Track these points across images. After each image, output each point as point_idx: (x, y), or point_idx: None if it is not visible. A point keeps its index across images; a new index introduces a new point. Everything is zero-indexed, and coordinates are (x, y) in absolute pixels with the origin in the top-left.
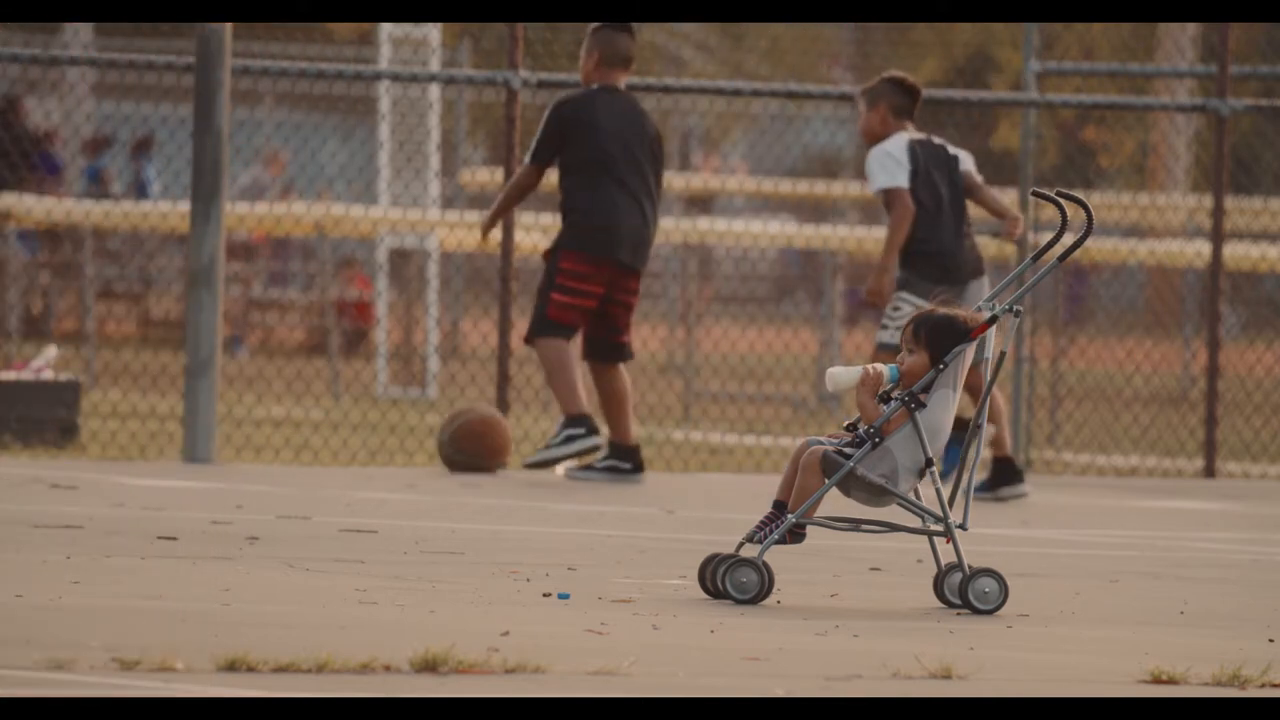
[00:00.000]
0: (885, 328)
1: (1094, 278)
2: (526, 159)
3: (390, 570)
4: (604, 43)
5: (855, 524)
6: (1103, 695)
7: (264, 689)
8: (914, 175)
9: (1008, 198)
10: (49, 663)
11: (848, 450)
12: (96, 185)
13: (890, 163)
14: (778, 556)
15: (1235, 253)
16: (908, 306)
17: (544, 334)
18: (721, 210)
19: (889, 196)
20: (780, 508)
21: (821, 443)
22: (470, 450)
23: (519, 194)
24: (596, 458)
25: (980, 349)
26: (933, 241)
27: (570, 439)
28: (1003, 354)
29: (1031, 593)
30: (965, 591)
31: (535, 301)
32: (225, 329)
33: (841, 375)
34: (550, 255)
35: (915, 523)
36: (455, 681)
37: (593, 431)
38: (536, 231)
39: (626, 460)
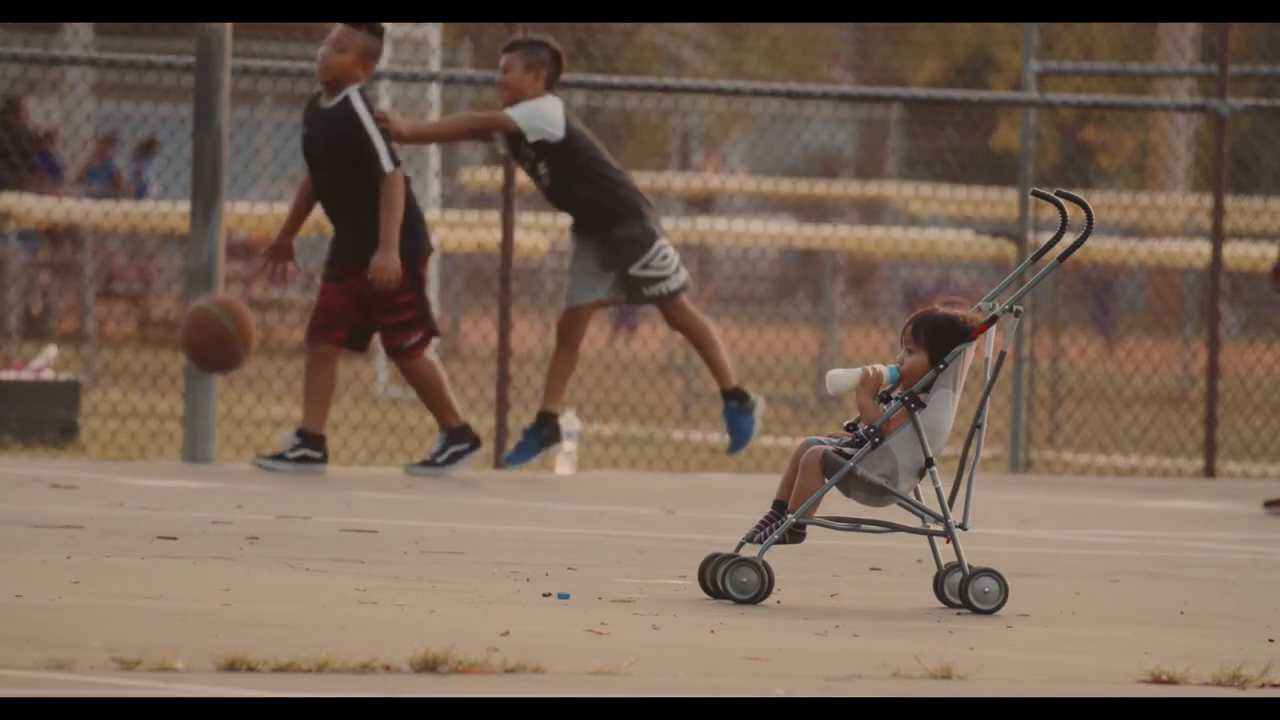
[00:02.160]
0: (665, 278)
1: (1122, 279)
2: (389, 168)
3: (390, 570)
4: (367, 42)
5: (855, 524)
6: (1103, 695)
7: (264, 689)
8: (579, 134)
9: (1008, 197)
10: (49, 663)
11: (848, 450)
12: (109, 185)
13: (550, 121)
14: (778, 556)
15: (1235, 253)
16: (668, 248)
17: (427, 343)
18: (721, 210)
19: (546, 149)
20: (780, 508)
21: (821, 443)
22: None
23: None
24: (287, 446)
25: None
26: (627, 184)
27: (456, 455)
28: (1003, 354)
29: (1031, 593)
30: (965, 591)
31: (412, 317)
32: None
33: (841, 378)
34: (407, 262)
35: (915, 523)
36: (455, 681)
37: (477, 442)
38: (536, 231)
39: (318, 450)
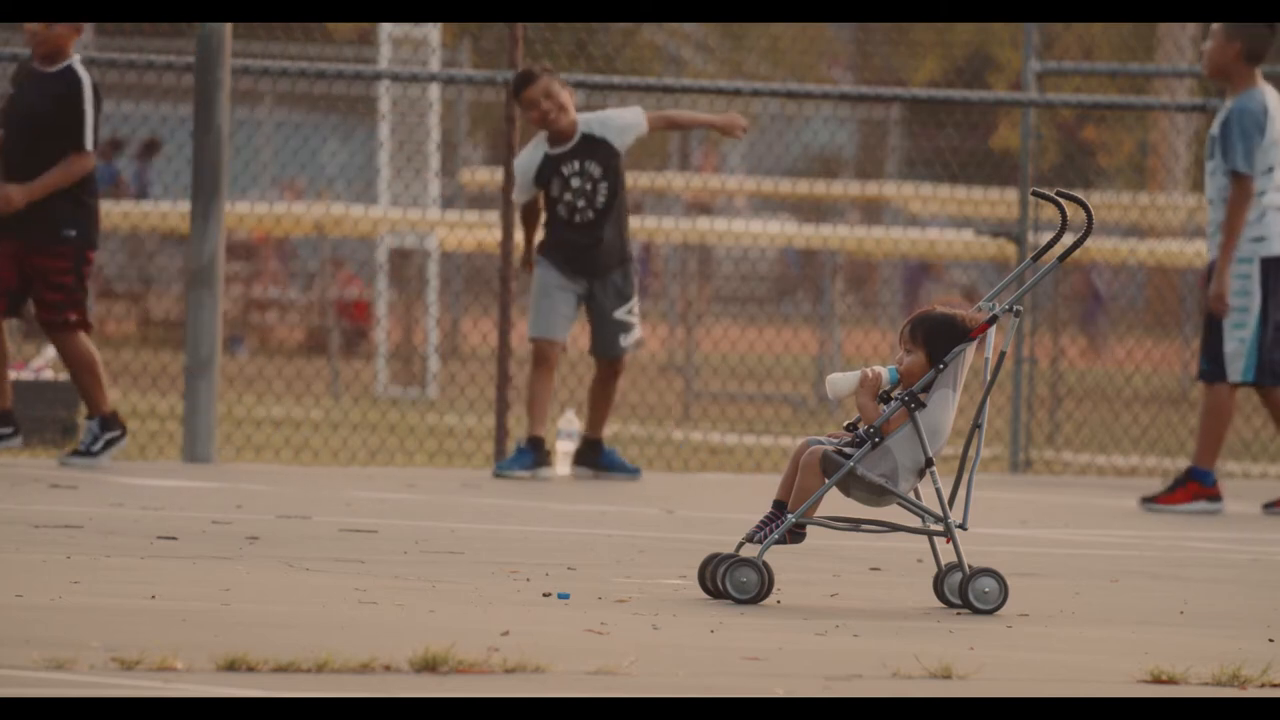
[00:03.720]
0: (636, 329)
1: (1113, 282)
2: (89, 147)
3: (390, 570)
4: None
5: (855, 524)
6: (1103, 695)
7: (264, 689)
8: None
9: (1008, 197)
10: (49, 663)
11: (848, 450)
12: (111, 188)
13: None
14: (778, 556)
15: None
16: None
17: (85, 329)
18: (721, 210)
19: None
20: (780, 507)
21: (821, 443)
22: None
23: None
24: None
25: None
26: None
27: (109, 443)
28: (1002, 354)
29: (1031, 593)
30: (965, 591)
31: (63, 299)
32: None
33: (840, 381)
34: (75, 251)
35: (915, 522)
36: (455, 681)
37: (125, 430)
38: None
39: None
